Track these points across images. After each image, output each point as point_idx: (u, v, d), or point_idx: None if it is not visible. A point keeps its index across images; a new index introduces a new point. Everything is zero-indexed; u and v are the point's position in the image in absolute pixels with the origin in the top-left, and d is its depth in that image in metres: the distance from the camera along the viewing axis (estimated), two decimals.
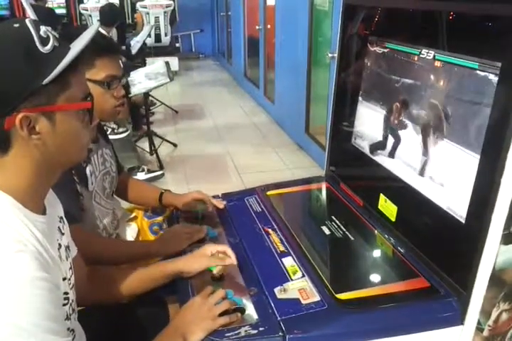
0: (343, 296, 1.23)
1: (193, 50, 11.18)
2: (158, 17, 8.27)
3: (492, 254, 1.13)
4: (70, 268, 1.01)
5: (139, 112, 4.99)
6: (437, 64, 1.31)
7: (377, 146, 1.65)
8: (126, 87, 3.45)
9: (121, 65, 1.53)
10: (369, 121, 1.71)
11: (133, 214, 1.87)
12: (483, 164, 1.14)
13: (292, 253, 1.43)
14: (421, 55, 1.38)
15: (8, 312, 0.76)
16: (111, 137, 1.83)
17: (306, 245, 1.48)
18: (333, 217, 1.64)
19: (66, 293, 0.93)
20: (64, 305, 0.92)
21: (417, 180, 1.41)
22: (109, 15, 5.46)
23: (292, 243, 1.48)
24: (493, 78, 1.10)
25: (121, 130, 4.03)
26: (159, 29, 8.36)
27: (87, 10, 7.75)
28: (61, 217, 1.06)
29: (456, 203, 1.24)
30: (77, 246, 1.14)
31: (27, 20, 0.85)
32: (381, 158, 1.63)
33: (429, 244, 1.35)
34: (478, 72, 1.16)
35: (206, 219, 1.68)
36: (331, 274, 1.35)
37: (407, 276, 1.32)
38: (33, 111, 0.83)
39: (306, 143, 4.68)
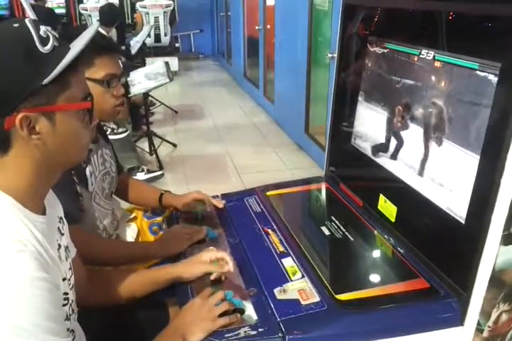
0: (342, 297, 1.22)
1: (193, 50, 11.18)
2: (157, 17, 8.27)
3: (492, 255, 1.12)
4: (70, 268, 1.01)
5: (138, 112, 4.98)
6: (437, 64, 1.31)
7: (377, 146, 1.65)
8: (126, 87, 3.45)
9: (121, 64, 1.53)
10: (369, 121, 1.71)
11: (132, 215, 1.87)
12: (483, 164, 1.14)
13: (292, 253, 1.42)
14: (421, 56, 1.38)
15: (8, 312, 0.76)
16: (110, 137, 1.83)
17: (305, 245, 1.48)
18: (332, 218, 1.64)
19: (66, 294, 0.93)
20: (64, 305, 0.91)
21: (417, 181, 1.41)
22: (108, 15, 5.46)
23: (292, 243, 1.48)
24: (493, 78, 1.10)
25: (120, 130, 4.03)
26: (159, 29, 8.35)
27: (86, 10, 7.75)
28: (61, 218, 1.06)
29: (456, 204, 1.24)
30: (77, 246, 1.14)
31: (27, 20, 0.85)
32: (381, 159, 1.63)
33: (429, 245, 1.35)
34: (478, 72, 1.15)
35: (206, 219, 1.68)
36: (331, 275, 1.35)
37: (406, 277, 1.32)
38: (33, 111, 0.83)
39: (305, 143, 4.68)
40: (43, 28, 0.85)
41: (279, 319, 1.15)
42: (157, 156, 4.40)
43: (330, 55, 3.54)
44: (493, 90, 1.10)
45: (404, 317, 1.20)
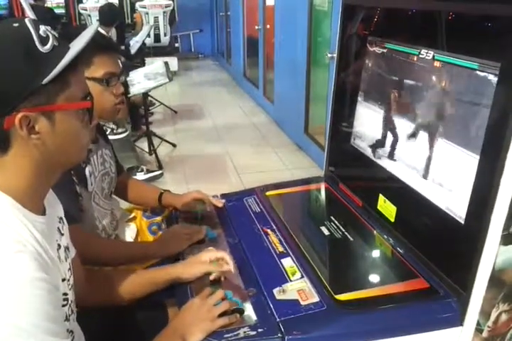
0: (342, 297, 1.22)
1: (193, 50, 11.19)
2: (157, 17, 8.27)
3: (491, 255, 1.12)
4: (69, 269, 1.01)
5: (138, 112, 4.98)
6: (437, 64, 1.31)
7: (377, 147, 1.65)
8: (125, 86, 3.44)
9: (120, 63, 1.53)
10: (368, 121, 1.71)
11: (132, 215, 1.87)
12: (482, 164, 1.14)
13: (291, 253, 1.42)
14: (420, 56, 1.38)
15: (8, 312, 0.76)
16: (110, 137, 1.83)
17: (305, 246, 1.47)
18: (332, 218, 1.64)
19: (65, 294, 0.93)
20: (63, 306, 0.91)
21: (417, 181, 1.41)
22: (108, 15, 5.46)
23: (291, 243, 1.48)
24: (493, 78, 1.10)
25: (120, 130, 4.03)
26: (158, 29, 8.35)
27: (86, 10, 7.75)
28: (61, 218, 1.06)
29: (456, 204, 1.24)
30: (76, 246, 1.14)
31: (26, 20, 0.85)
32: (381, 159, 1.62)
33: (428, 245, 1.35)
34: (477, 72, 1.15)
35: (205, 219, 1.68)
36: (330, 275, 1.35)
37: (406, 277, 1.32)
38: (33, 111, 0.82)
39: (305, 143, 4.68)
40: (42, 28, 0.85)
41: (278, 319, 1.15)
42: (156, 156, 4.40)
43: (329, 55, 3.54)
44: (492, 90, 1.10)
45: (404, 317, 1.20)
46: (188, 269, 1.32)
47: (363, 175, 1.81)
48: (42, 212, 0.94)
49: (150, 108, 5.71)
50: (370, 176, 1.74)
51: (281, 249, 1.46)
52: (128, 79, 3.79)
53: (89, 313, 1.13)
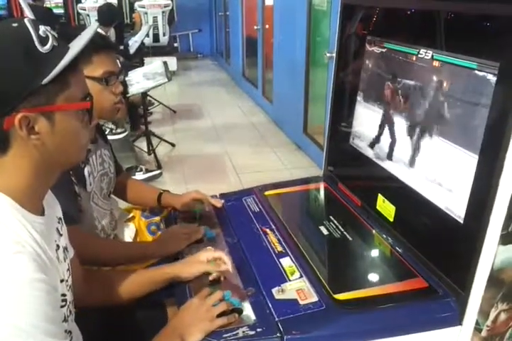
0: (341, 297, 1.22)
1: (191, 49, 11.19)
2: (156, 17, 8.28)
3: (490, 254, 1.12)
4: (68, 269, 1.01)
5: (137, 112, 4.98)
6: (435, 64, 1.31)
7: (376, 147, 1.65)
8: (124, 86, 3.44)
9: (118, 62, 1.53)
10: (367, 121, 1.71)
11: (131, 215, 1.87)
12: (481, 164, 1.14)
13: (290, 253, 1.42)
14: (419, 55, 1.38)
15: (7, 313, 0.76)
16: (109, 137, 1.83)
17: (304, 245, 1.47)
18: (331, 217, 1.64)
19: (64, 295, 0.93)
20: (61, 306, 0.91)
21: (416, 180, 1.41)
22: (107, 15, 5.46)
23: (290, 243, 1.48)
24: (492, 78, 1.10)
25: (119, 130, 4.03)
26: (157, 29, 8.36)
27: (84, 9, 7.75)
28: (59, 218, 1.06)
29: (455, 203, 1.24)
30: (75, 247, 1.14)
31: (26, 20, 0.85)
32: (379, 159, 1.62)
33: (427, 244, 1.35)
34: (476, 72, 1.15)
35: (204, 219, 1.68)
36: (329, 274, 1.35)
37: (405, 276, 1.32)
38: (33, 111, 0.82)
39: (304, 143, 4.68)
40: (42, 28, 0.85)
41: (277, 319, 1.15)
42: (155, 156, 4.40)
43: (328, 55, 3.53)
44: (491, 90, 1.10)
45: (403, 317, 1.20)
46: (187, 268, 1.32)
47: (362, 174, 1.81)
48: (41, 212, 0.94)
49: (149, 108, 5.71)
50: (369, 176, 1.74)
51: (280, 248, 1.46)
52: (127, 78, 3.79)
53: (87, 313, 1.13)
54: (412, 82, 1.44)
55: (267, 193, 1.86)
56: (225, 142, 5.09)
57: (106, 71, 1.42)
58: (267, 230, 1.57)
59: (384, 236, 1.52)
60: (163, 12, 8.29)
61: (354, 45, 1.80)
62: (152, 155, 4.43)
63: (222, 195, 1.87)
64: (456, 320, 1.20)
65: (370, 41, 1.66)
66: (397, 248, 1.45)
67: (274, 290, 1.25)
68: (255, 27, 6.27)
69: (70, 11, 9.09)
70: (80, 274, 1.18)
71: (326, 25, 4.00)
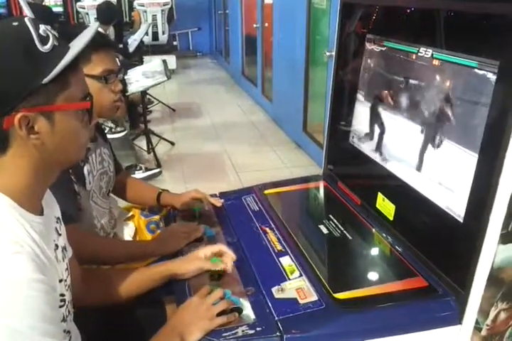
0: (340, 296, 1.22)
1: (191, 48, 11.17)
2: (155, 15, 8.27)
3: (490, 253, 1.12)
4: (67, 269, 1.00)
5: (136, 110, 4.98)
6: (435, 62, 1.31)
7: (376, 145, 1.65)
8: (124, 85, 3.44)
9: (118, 60, 1.53)
10: (367, 119, 1.70)
11: (130, 213, 1.87)
12: (481, 163, 1.14)
13: (290, 252, 1.42)
14: (419, 54, 1.37)
15: (5, 314, 0.76)
16: (109, 136, 1.83)
17: (303, 244, 1.47)
18: (330, 216, 1.64)
19: (62, 295, 0.93)
20: (60, 306, 0.91)
21: (415, 179, 1.41)
22: (106, 13, 5.45)
23: (290, 242, 1.48)
24: (492, 77, 1.10)
25: (119, 129, 4.02)
26: (157, 27, 8.36)
27: (84, 8, 7.74)
28: (58, 218, 1.05)
29: (455, 202, 1.24)
30: (74, 246, 1.13)
31: (26, 19, 0.84)
32: (379, 157, 1.62)
33: (427, 243, 1.35)
34: (476, 70, 1.15)
35: (204, 218, 1.67)
36: (329, 273, 1.34)
37: (405, 275, 1.31)
38: (32, 111, 0.82)
39: (303, 141, 4.67)
40: (42, 27, 0.85)
41: (276, 318, 1.15)
42: (155, 154, 4.39)
43: (328, 54, 3.53)
44: (491, 88, 1.10)
45: (403, 316, 1.20)
46: (185, 265, 1.32)
47: (362, 173, 1.81)
48: (39, 212, 0.94)
49: (148, 106, 5.71)
50: (368, 174, 1.74)
51: (279, 247, 1.45)
52: (126, 77, 3.78)
53: (86, 312, 1.13)
54: (411, 81, 1.43)
55: (266, 192, 1.86)
56: (225, 141, 5.08)
57: (105, 69, 1.42)
58: (267, 229, 1.57)
59: (384, 235, 1.52)
60: (162, 10, 8.29)
61: (354, 43, 1.79)
62: (152, 153, 4.43)
63: (222, 194, 1.87)
64: (456, 319, 1.20)
65: (369, 40, 1.66)
66: (396, 247, 1.44)
67: (273, 289, 1.25)
68: (255, 25, 6.27)
69: (69, 10, 9.08)
70: (79, 273, 1.18)
71: (325, 24, 4.00)
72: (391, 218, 1.51)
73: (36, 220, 0.90)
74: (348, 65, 1.85)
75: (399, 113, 1.50)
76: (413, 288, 1.26)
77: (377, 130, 1.63)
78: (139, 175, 3.87)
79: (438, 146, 1.31)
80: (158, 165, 4.28)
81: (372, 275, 1.38)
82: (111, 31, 5.63)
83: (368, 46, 1.66)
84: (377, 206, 1.58)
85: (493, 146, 1.07)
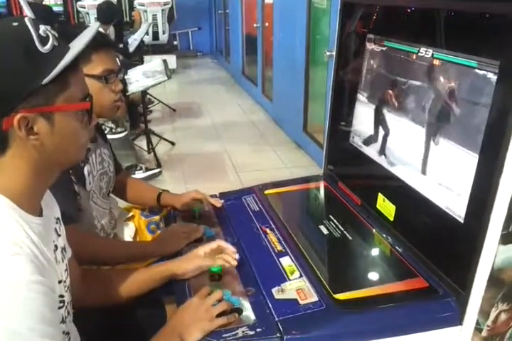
0: (341, 296, 1.22)
1: (191, 48, 11.16)
2: (155, 15, 8.27)
3: (491, 254, 1.12)
4: (66, 270, 1.00)
5: (136, 110, 4.97)
6: (436, 62, 1.31)
7: (376, 145, 1.65)
8: (124, 85, 3.43)
9: (118, 60, 1.53)
10: (367, 119, 1.70)
11: (130, 214, 1.86)
12: (482, 163, 1.13)
13: (290, 252, 1.42)
14: (419, 54, 1.37)
15: (3, 315, 0.75)
16: (109, 137, 1.82)
17: (303, 245, 1.47)
18: (331, 216, 1.64)
19: (61, 296, 0.92)
20: (59, 308, 0.90)
21: (416, 180, 1.41)
22: (106, 13, 5.44)
23: (290, 242, 1.48)
24: (492, 77, 1.10)
25: (119, 130, 4.02)
26: (157, 27, 8.35)
27: (84, 7, 7.73)
28: (58, 218, 1.05)
29: (455, 202, 1.24)
30: (74, 246, 1.13)
31: (26, 19, 0.84)
32: (380, 157, 1.62)
33: (427, 244, 1.35)
34: (476, 70, 1.15)
35: (204, 218, 1.67)
36: (329, 274, 1.34)
37: (405, 276, 1.31)
38: (32, 112, 0.82)
39: (304, 141, 4.67)
40: (42, 28, 0.84)
41: (277, 319, 1.15)
42: (155, 154, 4.39)
43: (328, 53, 3.53)
44: (492, 88, 1.09)
45: (403, 317, 1.20)
46: (184, 265, 1.32)
47: (362, 173, 1.81)
48: (39, 213, 0.93)
49: (148, 106, 5.70)
50: (369, 175, 1.74)
51: (279, 248, 1.45)
52: (126, 77, 3.78)
53: (85, 313, 1.13)
54: (411, 81, 1.43)
55: (266, 192, 1.86)
56: (225, 140, 5.08)
57: (105, 69, 1.42)
58: (267, 229, 1.56)
59: (384, 235, 1.51)
60: (162, 10, 8.28)
61: (354, 43, 1.79)
62: (152, 153, 4.43)
63: (222, 194, 1.86)
64: (457, 319, 1.20)
65: (370, 39, 1.65)
66: (397, 247, 1.44)
67: (273, 290, 1.24)
68: (255, 25, 6.26)
69: (70, 9, 9.07)
70: (78, 274, 1.18)
71: (325, 24, 3.99)
72: (391, 218, 1.50)
73: (35, 221, 0.89)
74: (348, 65, 1.85)
75: (399, 113, 1.49)
76: (413, 289, 1.26)
77: (377, 130, 1.63)
78: (139, 175, 3.86)
79: (438, 146, 1.31)
80: (159, 165, 4.28)
81: (373, 276, 1.37)
82: (111, 31, 5.63)
83: (369, 46, 1.66)
84: (378, 206, 1.58)
85: (494, 147, 1.07)
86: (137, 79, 3.94)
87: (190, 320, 1.13)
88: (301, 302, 1.19)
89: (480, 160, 1.14)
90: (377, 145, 1.63)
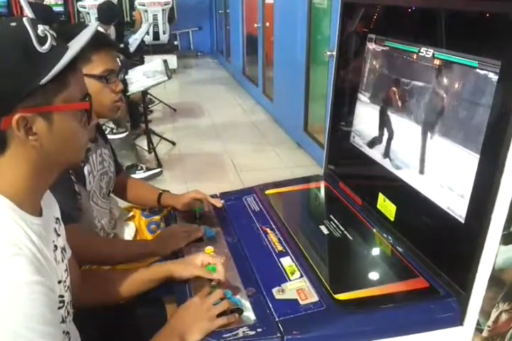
0: (341, 297, 1.22)
1: (192, 48, 11.16)
2: (156, 15, 8.26)
3: (492, 254, 1.12)
4: (66, 270, 1.00)
5: (137, 110, 4.97)
6: (436, 62, 1.30)
7: (377, 145, 1.64)
8: (124, 85, 3.43)
9: (118, 60, 1.52)
10: (368, 119, 1.70)
11: (130, 214, 1.86)
12: (482, 163, 1.13)
13: (290, 253, 1.42)
14: (420, 53, 1.37)
15: (4, 316, 0.75)
16: (110, 137, 1.82)
17: (304, 245, 1.47)
18: (331, 217, 1.63)
19: (61, 296, 0.92)
20: (59, 308, 0.90)
21: (417, 180, 1.40)
22: (107, 13, 5.45)
23: (290, 243, 1.48)
24: (493, 77, 1.09)
25: (120, 130, 4.02)
26: (157, 27, 8.35)
27: (85, 7, 7.71)
28: (57, 218, 1.05)
29: (456, 203, 1.23)
30: (74, 246, 1.13)
31: (24, 19, 0.84)
32: (380, 157, 1.62)
33: (428, 244, 1.35)
34: (477, 70, 1.15)
35: (204, 218, 1.67)
36: (330, 274, 1.34)
37: (406, 276, 1.31)
38: (30, 112, 0.81)
39: (304, 141, 4.67)
40: (40, 27, 0.84)
41: (277, 319, 1.15)
42: (156, 154, 4.39)
43: (329, 53, 3.52)
44: (493, 88, 1.09)
45: (404, 317, 1.20)
46: (180, 270, 1.31)
47: (363, 173, 1.81)
48: (38, 213, 0.93)
49: (149, 106, 5.70)
50: (369, 175, 1.74)
51: (280, 248, 1.45)
52: (127, 77, 3.78)
53: (86, 313, 1.12)
54: (412, 81, 1.43)
55: (267, 192, 1.85)
56: (226, 140, 5.08)
57: (106, 69, 1.42)
58: (268, 229, 1.56)
59: (385, 235, 1.51)
60: (163, 10, 8.27)
61: (354, 43, 1.79)
62: (152, 153, 4.43)
63: (223, 194, 1.86)
64: (457, 320, 1.20)
65: (370, 39, 1.65)
66: (397, 247, 1.44)
67: (274, 290, 1.24)
68: (255, 25, 6.26)
69: (70, 9, 9.07)
70: (78, 274, 1.17)
71: (326, 23, 3.99)
72: (392, 218, 1.50)
73: (35, 222, 0.89)
74: (348, 65, 1.85)
75: (400, 113, 1.49)
76: (414, 289, 1.26)
77: (378, 130, 1.63)
78: (139, 174, 3.86)
79: (439, 146, 1.30)
80: (159, 165, 4.28)
81: (373, 276, 1.37)
82: (112, 31, 5.64)
83: (369, 46, 1.66)
84: (378, 206, 1.58)
85: (495, 147, 1.07)
86: (138, 79, 3.93)
87: (190, 320, 1.13)
88: (302, 302, 1.19)
89: (481, 160, 1.13)
90: (378, 145, 1.63)
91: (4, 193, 0.85)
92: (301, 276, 1.30)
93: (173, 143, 4.91)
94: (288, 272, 1.32)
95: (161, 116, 6.13)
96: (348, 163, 1.91)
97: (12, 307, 0.76)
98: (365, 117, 1.72)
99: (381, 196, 1.56)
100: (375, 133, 1.64)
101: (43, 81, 0.81)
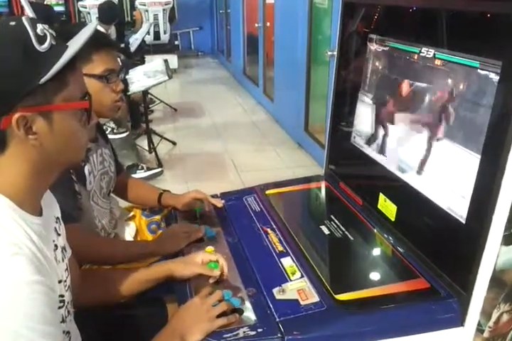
0: (342, 297, 1.22)
1: (192, 47, 11.16)
2: (157, 14, 8.26)
3: (493, 255, 1.12)
4: (66, 269, 1.00)
5: (137, 110, 4.97)
6: (437, 62, 1.30)
7: (378, 145, 1.64)
8: (125, 84, 3.43)
9: (119, 60, 1.52)
10: (368, 119, 1.70)
11: (131, 213, 1.86)
12: (483, 164, 1.13)
13: (291, 253, 1.42)
14: (421, 54, 1.37)
15: (4, 316, 0.75)
16: (110, 137, 1.82)
17: (305, 245, 1.47)
18: (332, 217, 1.63)
19: (62, 296, 0.92)
20: (59, 307, 0.90)
21: (417, 180, 1.40)
22: (107, 12, 5.45)
23: (291, 243, 1.47)
24: (494, 77, 1.09)
25: (121, 130, 4.02)
26: (158, 27, 8.34)
27: (85, 7, 7.71)
28: (57, 218, 1.05)
29: (457, 203, 1.23)
30: (74, 245, 1.13)
31: (23, 18, 0.84)
32: (381, 157, 1.62)
33: (429, 245, 1.34)
34: (478, 70, 1.14)
35: (205, 218, 1.67)
36: (330, 274, 1.34)
37: (406, 277, 1.31)
38: (30, 111, 0.81)
39: (305, 141, 4.66)
40: (40, 27, 0.84)
41: (278, 319, 1.15)
42: (156, 154, 4.39)
43: (329, 53, 3.52)
44: (494, 89, 1.09)
45: (404, 318, 1.19)
46: (180, 269, 1.31)
47: (364, 173, 1.80)
48: (39, 212, 0.93)
49: (150, 106, 5.70)
50: (370, 175, 1.74)
51: (280, 248, 1.45)
52: (127, 77, 3.78)
53: (86, 312, 1.12)
54: (413, 81, 1.43)
55: (268, 192, 1.85)
56: (226, 140, 5.08)
57: (106, 69, 1.42)
58: (268, 230, 1.56)
59: (385, 236, 1.51)
60: (163, 10, 8.26)
61: (355, 43, 1.79)
62: (153, 153, 4.43)
63: (223, 194, 1.86)
64: (458, 321, 1.20)
65: (371, 39, 1.65)
66: (398, 248, 1.44)
67: (274, 291, 1.24)
68: (256, 25, 6.26)
69: (71, 9, 9.07)
70: (78, 274, 1.17)
71: (327, 23, 3.99)
72: (393, 219, 1.50)
73: (35, 221, 0.89)
74: (349, 65, 1.85)
75: (400, 112, 1.49)
76: (415, 290, 1.26)
77: (378, 130, 1.63)
78: (140, 174, 3.86)
79: (440, 147, 1.30)
80: (160, 165, 4.28)
81: (374, 277, 1.37)
82: (112, 30, 5.64)
83: (370, 46, 1.66)
84: (379, 207, 1.57)
85: (496, 147, 1.06)
86: (138, 79, 3.93)
87: (190, 320, 1.13)
88: (302, 302, 1.19)
89: (482, 161, 1.13)
90: (379, 145, 1.63)
91: (4, 193, 0.85)
92: (302, 276, 1.30)
93: (174, 143, 4.91)
94: (288, 272, 1.32)
95: (161, 116, 6.13)
96: (348, 163, 1.91)
97: (12, 306, 0.76)
98: (366, 117, 1.72)
99: (382, 196, 1.56)
100: (376, 133, 1.64)
101: (43, 80, 0.81)
